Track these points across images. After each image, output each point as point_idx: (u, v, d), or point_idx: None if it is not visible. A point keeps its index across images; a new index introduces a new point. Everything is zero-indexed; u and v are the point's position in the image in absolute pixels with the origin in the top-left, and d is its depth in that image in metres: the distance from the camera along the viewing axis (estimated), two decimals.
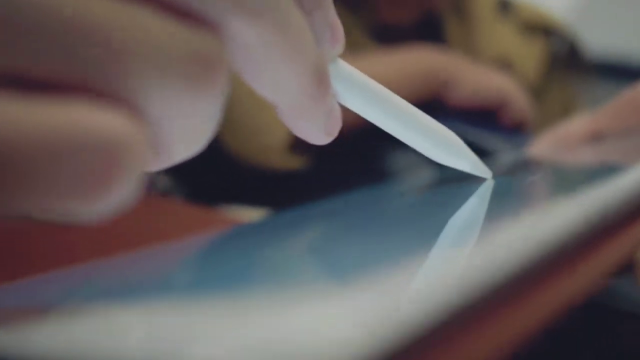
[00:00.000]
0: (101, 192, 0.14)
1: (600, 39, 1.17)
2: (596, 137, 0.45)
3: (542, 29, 0.80)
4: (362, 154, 0.57)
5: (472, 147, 0.56)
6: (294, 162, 0.58)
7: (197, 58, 0.16)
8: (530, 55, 0.78)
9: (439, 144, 0.28)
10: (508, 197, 0.30)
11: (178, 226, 0.44)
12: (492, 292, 0.14)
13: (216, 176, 0.59)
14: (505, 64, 0.75)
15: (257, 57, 0.18)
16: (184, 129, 0.17)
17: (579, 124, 0.46)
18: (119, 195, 0.15)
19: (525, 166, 0.44)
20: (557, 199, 0.27)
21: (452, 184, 0.33)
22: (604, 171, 0.30)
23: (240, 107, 0.57)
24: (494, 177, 0.31)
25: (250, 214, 0.49)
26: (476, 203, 0.29)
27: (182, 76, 0.15)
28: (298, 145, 0.58)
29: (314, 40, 0.20)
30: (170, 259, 0.30)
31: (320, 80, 0.20)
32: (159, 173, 0.51)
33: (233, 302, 0.14)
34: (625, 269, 0.36)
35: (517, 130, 0.65)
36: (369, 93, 0.25)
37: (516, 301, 0.15)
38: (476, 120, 0.62)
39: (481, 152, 0.58)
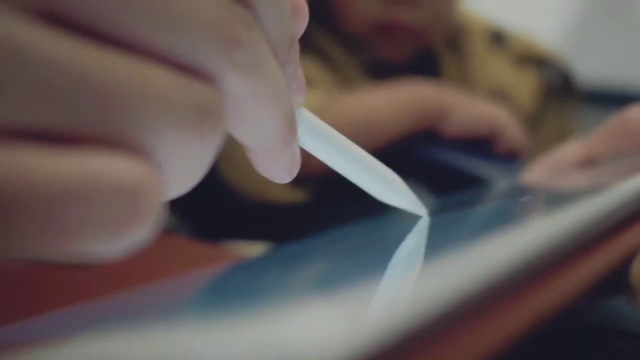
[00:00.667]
0: (124, 234, 0.15)
1: (592, 68, 1.18)
2: (589, 162, 0.45)
3: (535, 60, 0.81)
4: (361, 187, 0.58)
5: (467, 176, 0.57)
6: (294, 196, 0.58)
7: (199, 108, 0.17)
8: (524, 86, 0.79)
9: (381, 182, 0.30)
10: (497, 218, 0.31)
11: (183, 263, 0.44)
12: (471, 301, 0.14)
13: (218, 212, 0.60)
14: (500, 96, 0.76)
15: (244, 107, 0.19)
16: (182, 169, 0.18)
17: (571, 149, 0.47)
18: (140, 235, 0.16)
19: (519, 191, 0.45)
20: (541, 217, 0.27)
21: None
22: (594, 193, 0.31)
23: (239, 142, 0.58)
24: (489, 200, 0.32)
25: (253, 249, 0.50)
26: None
27: (186, 124, 0.17)
28: (297, 178, 0.58)
29: (286, 91, 0.21)
30: (178, 293, 0.31)
31: (291, 126, 0.22)
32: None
33: (237, 317, 0.14)
34: (620, 289, 0.36)
35: (512, 159, 0.65)
36: (324, 138, 0.27)
37: (491, 312, 0.15)
38: (471, 149, 0.63)
39: (477, 181, 0.59)
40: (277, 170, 0.23)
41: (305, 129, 0.26)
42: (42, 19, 0.15)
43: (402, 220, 0.43)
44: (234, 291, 0.26)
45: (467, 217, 0.35)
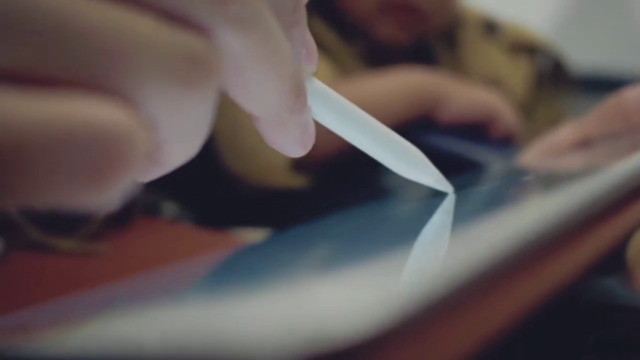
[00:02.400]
0: (104, 181, 0.15)
1: (584, 55, 1.19)
2: (584, 144, 0.46)
3: (527, 48, 0.82)
4: (361, 172, 0.59)
5: (464, 161, 0.57)
6: (296, 181, 0.59)
7: (188, 57, 0.16)
8: (517, 74, 0.79)
9: (405, 159, 0.29)
10: (496, 198, 0.31)
11: (188, 249, 0.44)
12: (472, 281, 0.15)
13: (221, 199, 0.60)
14: (494, 84, 0.76)
15: (241, 68, 0.19)
16: (178, 129, 0.17)
17: (566, 131, 0.47)
18: (120, 185, 0.15)
19: (517, 173, 0.46)
20: (540, 197, 0.28)
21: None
22: (591, 173, 0.31)
23: (241, 128, 0.58)
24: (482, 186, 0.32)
25: (255, 235, 0.50)
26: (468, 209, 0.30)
27: (175, 74, 0.16)
28: (299, 164, 0.59)
29: (292, 55, 0.20)
30: (191, 276, 0.31)
31: (298, 93, 0.21)
32: (166, 200, 0.53)
33: (258, 294, 0.15)
34: (615, 267, 0.36)
35: (507, 143, 0.66)
36: (341, 110, 0.26)
37: (500, 288, 0.15)
38: (467, 135, 0.63)
39: (473, 165, 0.59)
40: (286, 142, 0.22)
41: (320, 101, 0.25)
42: None
43: (411, 202, 0.44)
44: (251, 270, 0.26)
45: (469, 197, 0.35)
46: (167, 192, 0.55)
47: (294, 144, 0.22)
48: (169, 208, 0.52)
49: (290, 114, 0.21)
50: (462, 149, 0.61)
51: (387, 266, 0.15)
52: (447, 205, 0.31)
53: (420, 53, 0.76)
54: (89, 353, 0.13)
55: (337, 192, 0.55)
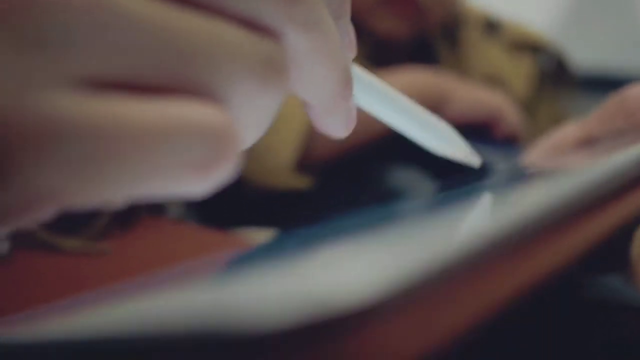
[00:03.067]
0: (209, 173, 0.17)
1: (586, 53, 1.19)
2: (587, 142, 0.46)
3: (529, 47, 0.82)
4: (365, 173, 0.59)
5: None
6: (300, 182, 0.59)
7: (265, 60, 0.19)
8: (519, 72, 0.80)
9: (437, 135, 0.31)
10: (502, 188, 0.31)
11: (192, 250, 0.45)
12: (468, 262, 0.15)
13: (225, 200, 0.60)
14: (495, 83, 0.76)
15: (304, 62, 0.21)
16: (251, 121, 0.20)
17: (570, 130, 0.47)
18: (222, 175, 0.18)
19: (519, 173, 0.46)
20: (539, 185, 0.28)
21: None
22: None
23: None
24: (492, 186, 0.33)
25: (260, 235, 0.51)
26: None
27: (254, 75, 0.18)
28: (303, 165, 0.59)
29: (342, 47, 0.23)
30: (194, 275, 0.31)
31: (347, 81, 0.23)
32: (170, 200, 0.53)
33: (262, 272, 0.15)
34: (619, 266, 0.37)
35: (510, 143, 0.66)
36: (375, 91, 0.27)
37: (497, 266, 0.16)
38: (470, 135, 0.63)
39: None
40: (335, 125, 0.24)
41: (359, 85, 0.26)
42: None
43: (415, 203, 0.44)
44: (256, 265, 0.26)
45: (469, 193, 0.35)
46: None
47: (341, 127, 0.24)
48: (174, 208, 0.52)
49: (340, 100, 0.23)
50: None
51: (388, 241, 0.15)
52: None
53: (421, 52, 0.76)
54: (96, 336, 0.14)
55: (341, 193, 0.55)
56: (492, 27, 0.82)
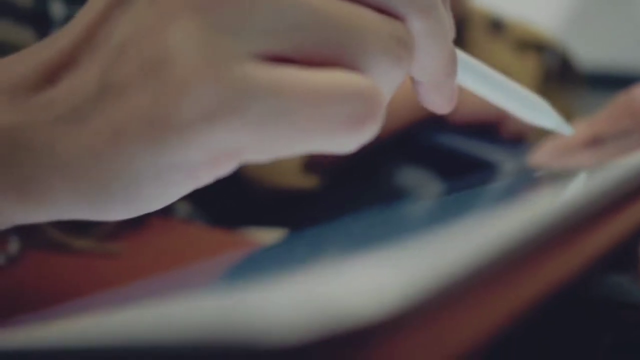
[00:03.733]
0: (363, 128, 0.21)
1: (591, 51, 1.19)
2: (594, 141, 0.46)
3: (534, 46, 0.82)
4: (373, 173, 0.59)
5: (476, 160, 0.57)
6: (308, 182, 0.59)
7: (399, 38, 0.22)
8: (524, 71, 0.79)
9: (529, 106, 0.33)
10: (509, 194, 0.32)
11: (201, 250, 0.45)
12: (481, 271, 0.15)
13: (234, 200, 0.60)
14: None
15: (421, 43, 0.24)
16: (385, 92, 0.23)
17: (577, 129, 0.48)
18: (371, 131, 0.21)
19: (527, 172, 0.46)
20: (549, 191, 0.28)
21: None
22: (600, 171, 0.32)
23: None
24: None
25: (269, 235, 0.51)
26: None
27: (390, 51, 0.22)
28: (311, 165, 0.59)
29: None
30: (204, 276, 0.31)
31: (454, 60, 0.25)
32: (179, 200, 0.53)
33: (276, 280, 0.15)
34: (628, 265, 0.36)
35: (518, 142, 0.66)
36: (475, 69, 0.30)
37: (513, 276, 0.16)
38: (478, 134, 0.63)
39: (484, 164, 0.59)
40: (441, 100, 0.26)
41: (461, 65, 0.28)
42: None
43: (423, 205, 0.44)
44: (266, 267, 0.27)
45: (479, 194, 0.36)
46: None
47: (446, 102, 0.27)
48: (183, 208, 0.53)
49: (447, 77, 0.26)
50: (473, 148, 0.61)
51: (404, 252, 0.15)
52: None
53: None
54: (108, 342, 0.14)
55: (349, 193, 0.55)
56: (497, 26, 0.82)
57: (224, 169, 0.22)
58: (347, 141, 0.21)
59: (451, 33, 0.26)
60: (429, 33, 0.24)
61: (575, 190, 0.21)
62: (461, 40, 0.79)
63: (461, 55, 0.29)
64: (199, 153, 0.21)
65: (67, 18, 0.47)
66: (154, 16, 0.21)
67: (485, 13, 0.84)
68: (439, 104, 0.27)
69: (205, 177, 0.22)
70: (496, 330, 0.14)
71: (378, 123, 0.21)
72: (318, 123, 0.20)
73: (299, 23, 0.21)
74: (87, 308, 0.26)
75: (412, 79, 0.26)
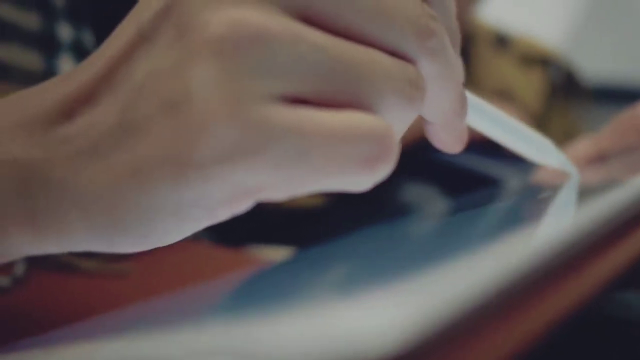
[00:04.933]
0: (377, 168, 0.21)
1: (596, 65, 1.19)
2: (600, 158, 0.46)
3: (539, 61, 0.82)
4: (379, 190, 0.59)
5: (480, 177, 0.57)
6: (315, 200, 0.59)
7: (410, 80, 0.23)
8: (530, 86, 0.80)
9: (535, 147, 0.34)
10: (515, 215, 0.32)
11: (208, 268, 0.45)
12: (504, 296, 0.15)
13: (241, 218, 0.60)
14: (506, 97, 0.76)
15: (431, 85, 0.25)
16: (397, 132, 0.23)
17: (582, 146, 0.47)
18: (384, 171, 0.21)
19: (532, 189, 0.46)
20: (559, 213, 0.28)
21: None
22: (607, 188, 0.32)
23: None
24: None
25: (276, 253, 0.51)
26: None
27: (402, 92, 0.23)
28: None
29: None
30: (213, 296, 0.31)
31: (463, 101, 0.26)
32: None
33: (285, 312, 0.15)
34: (634, 282, 0.36)
35: (523, 159, 0.66)
36: (482, 110, 0.31)
37: (525, 304, 0.16)
38: (483, 151, 0.63)
39: (489, 181, 0.59)
40: (450, 140, 0.27)
41: (470, 106, 0.29)
42: (298, 18, 0.22)
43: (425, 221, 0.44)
44: (276, 290, 0.27)
45: (483, 215, 0.36)
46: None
47: (456, 142, 0.27)
48: None
49: (457, 118, 0.26)
50: (478, 165, 0.61)
51: (413, 284, 0.15)
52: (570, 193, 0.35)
53: None
54: None
55: (355, 210, 0.55)
56: (502, 41, 0.82)
57: (242, 207, 0.22)
58: (361, 180, 0.21)
59: (461, 75, 0.27)
60: (439, 75, 0.24)
61: (583, 213, 0.21)
62: (467, 56, 0.79)
63: (471, 97, 0.29)
64: (218, 191, 0.21)
65: (75, 41, 0.48)
66: (175, 57, 0.21)
67: (491, 29, 0.84)
68: (449, 144, 0.27)
69: (223, 214, 0.22)
70: (514, 357, 0.14)
71: (392, 162, 0.21)
72: (334, 163, 0.21)
73: (317, 66, 0.21)
74: (94, 329, 0.26)
75: (423, 119, 0.26)
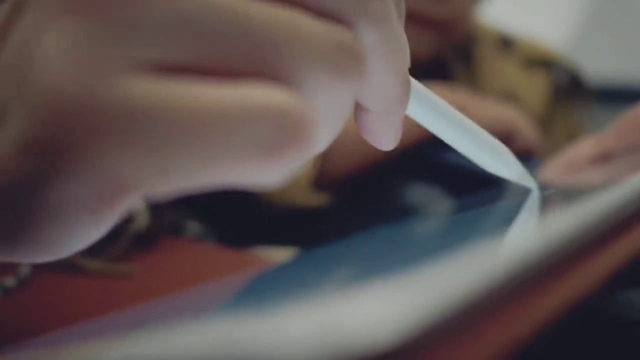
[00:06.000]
0: (279, 156, 0.17)
1: (599, 66, 1.19)
2: (603, 158, 0.46)
3: (543, 63, 0.82)
4: (382, 190, 0.59)
5: (484, 177, 0.58)
6: (317, 200, 0.59)
7: (342, 48, 0.19)
8: (534, 88, 0.80)
9: (489, 153, 0.30)
10: (518, 212, 0.32)
11: (212, 269, 0.45)
12: (507, 287, 0.15)
13: (244, 218, 0.61)
14: (511, 99, 0.76)
15: (370, 57, 0.20)
16: (327, 114, 0.19)
17: (585, 146, 0.47)
18: (292, 162, 0.17)
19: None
20: (560, 211, 0.28)
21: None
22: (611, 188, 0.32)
23: None
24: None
25: (280, 254, 0.51)
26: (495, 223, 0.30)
27: (331, 62, 0.18)
28: (320, 183, 0.59)
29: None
30: (215, 297, 0.31)
31: (407, 85, 0.22)
32: (189, 219, 0.53)
33: (285, 308, 0.15)
34: (637, 280, 0.36)
35: (527, 159, 0.66)
36: (431, 105, 0.26)
37: (521, 301, 0.16)
38: None
39: (492, 182, 0.59)
40: (386, 134, 0.23)
41: (413, 95, 0.25)
42: None
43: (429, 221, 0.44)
44: (277, 291, 0.27)
45: (484, 215, 0.36)
46: (190, 211, 0.55)
47: (391, 137, 0.23)
48: (192, 227, 0.53)
49: (398, 105, 0.22)
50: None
51: (411, 278, 0.15)
52: (531, 204, 0.31)
53: (436, 69, 0.76)
54: None
55: (358, 210, 0.55)
56: (505, 44, 0.82)
57: (126, 204, 0.18)
58: (265, 171, 0.17)
59: (407, 54, 0.22)
60: (381, 47, 0.20)
61: (585, 210, 0.21)
62: (470, 58, 0.79)
63: (416, 84, 0.25)
64: (85, 185, 0.17)
65: None
66: (36, 24, 0.18)
67: (494, 31, 0.84)
68: (384, 138, 0.23)
69: (106, 214, 0.18)
70: (509, 354, 0.14)
71: (304, 148, 0.17)
72: (222, 149, 0.17)
73: (202, 27, 0.17)
74: (99, 329, 0.26)
75: (356, 106, 0.22)
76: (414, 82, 0.25)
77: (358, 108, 0.22)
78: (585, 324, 0.32)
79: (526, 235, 0.23)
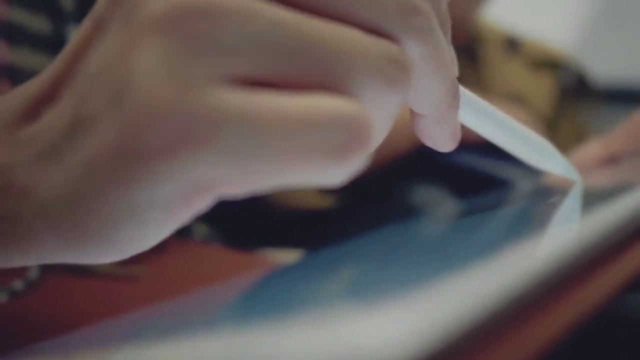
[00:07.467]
0: (347, 158, 0.19)
1: (606, 67, 1.19)
2: (611, 160, 0.46)
3: (550, 64, 0.82)
4: (388, 192, 0.59)
5: (491, 179, 0.57)
6: (325, 202, 0.59)
7: (389, 58, 0.21)
8: (540, 89, 0.80)
9: (538, 151, 0.31)
10: (527, 221, 0.32)
11: (220, 271, 0.45)
12: (519, 304, 0.15)
13: (251, 221, 0.61)
14: (517, 100, 0.76)
15: (418, 69, 0.22)
16: (380, 119, 0.21)
17: (592, 148, 0.47)
18: (357, 162, 0.19)
19: (543, 192, 0.46)
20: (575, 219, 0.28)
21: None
22: (621, 191, 0.32)
23: None
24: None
25: (286, 256, 0.51)
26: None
27: (381, 72, 0.20)
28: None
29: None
30: (222, 300, 0.31)
31: (456, 92, 0.24)
32: (196, 222, 0.53)
33: (295, 321, 0.15)
34: None
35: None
36: (480, 109, 0.28)
37: (538, 313, 0.16)
38: (493, 152, 0.63)
39: (500, 183, 0.59)
40: (442, 137, 0.25)
41: (463, 101, 0.27)
42: None
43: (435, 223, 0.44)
44: (286, 294, 0.27)
45: (493, 220, 0.36)
46: (197, 214, 0.55)
47: (448, 139, 0.25)
48: (200, 230, 0.53)
49: (449, 110, 0.24)
50: (489, 166, 0.61)
51: (424, 292, 0.15)
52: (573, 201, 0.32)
53: None
54: None
55: (365, 212, 0.55)
56: (512, 45, 0.82)
57: (201, 205, 0.20)
58: (332, 173, 0.19)
59: (453, 63, 0.24)
60: (427, 58, 0.22)
61: (595, 219, 0.21)
62: (477, 59, 0.79)
63: (465, 91, 0.27)
64: (170, 188, 0.19)
65: None
66: (124, 41, 0.20)
67: (501, 32, 0.84)
68: (441, 140, 0.25)
69: (182, 214, 0.20)
70: None
71: (366, 152, 0.19)
72: (296, 153, 0.18)
73: (274, 44, 0.19)
74: (107, 332, 0.26)
75: (412, 112, 0.24)
76: (462, 89, 0.27)
77: (414, 115, 0.24)
78: (594, 325, 0.32)
79: (570, 232, 0.23)
